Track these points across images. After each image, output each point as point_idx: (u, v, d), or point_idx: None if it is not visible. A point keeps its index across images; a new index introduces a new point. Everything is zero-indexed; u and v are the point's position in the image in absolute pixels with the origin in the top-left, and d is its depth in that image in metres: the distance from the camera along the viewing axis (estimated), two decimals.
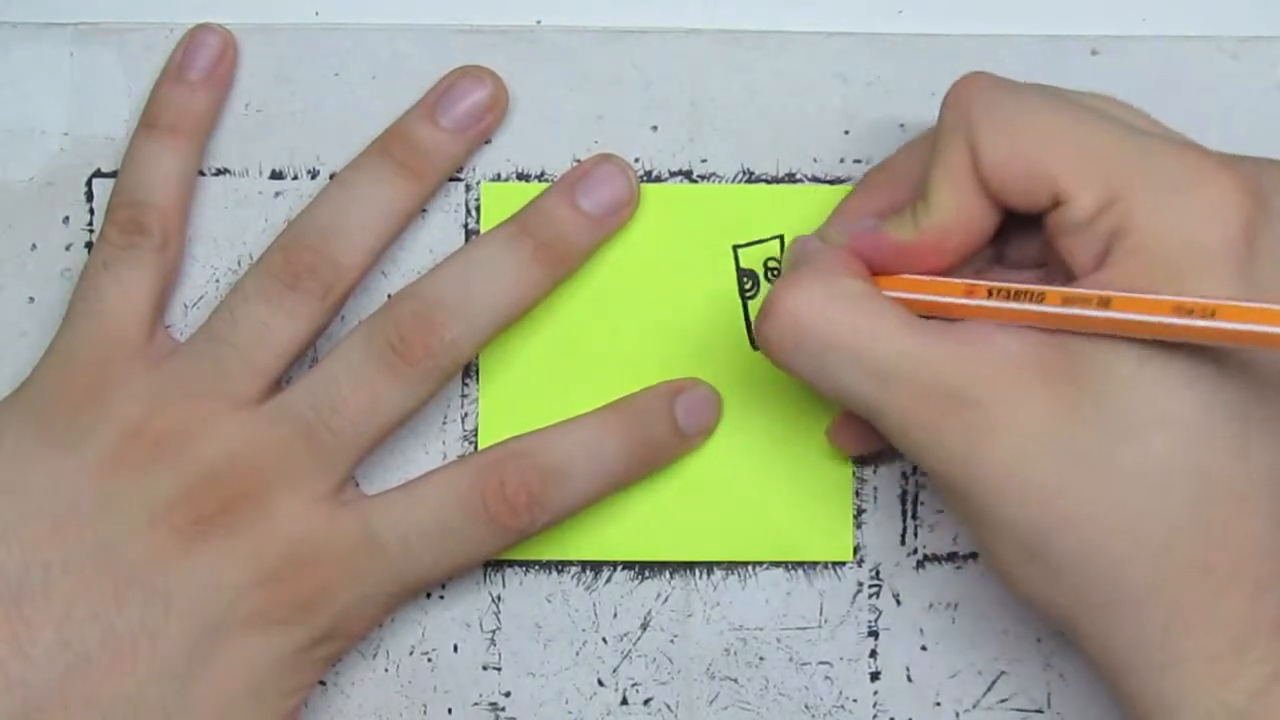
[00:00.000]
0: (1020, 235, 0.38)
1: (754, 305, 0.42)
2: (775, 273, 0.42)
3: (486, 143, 0.42)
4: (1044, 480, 0.34)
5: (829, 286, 0.36)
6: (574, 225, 0.41)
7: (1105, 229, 0.34)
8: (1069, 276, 0.35)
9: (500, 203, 0.42)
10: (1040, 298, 0.35)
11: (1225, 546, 0.34)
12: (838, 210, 0.41)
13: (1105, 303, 0.34)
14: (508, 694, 0.42)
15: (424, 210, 0.42)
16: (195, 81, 0.42)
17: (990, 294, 0.36)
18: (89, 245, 0.42)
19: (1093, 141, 0.35)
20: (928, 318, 0.36)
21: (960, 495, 0.36)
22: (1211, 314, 0.32)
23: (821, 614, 0.42)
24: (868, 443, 0.41)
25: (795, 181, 0.42)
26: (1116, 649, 0.35)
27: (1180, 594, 0.34)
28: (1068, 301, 0.34)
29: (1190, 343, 0.33)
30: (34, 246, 0.43)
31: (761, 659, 0.42)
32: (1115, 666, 0.35)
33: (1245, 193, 0.34)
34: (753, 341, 0.42)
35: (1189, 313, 0.33)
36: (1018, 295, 0.35)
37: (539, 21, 0.43)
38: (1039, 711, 0.42)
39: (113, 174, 0.42)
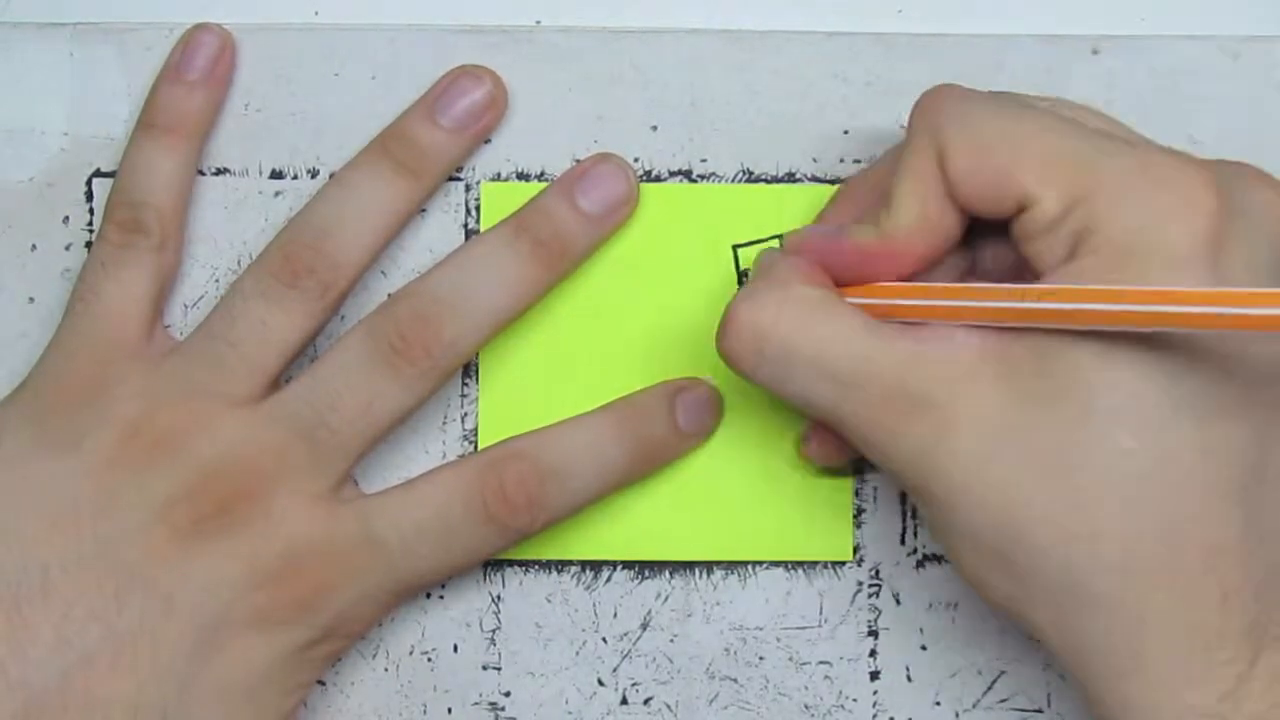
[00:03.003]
0: (993, 246, 0.38)
1: None
2: None
3: (486, 142, 0.42)
4: (1004, 480, 0.34)
5: (785, 294, 0.36)
6: (573, 224, 0.41)
7: (1070, 231, 0.34)
8: (1038, 281, 0.35)
9: (500, 203, 0.42)
10: (996, 294, 0.34)
11: (1189, 550, 0.33)
12: (816, 219, 0.41)
13: (1057, 294, 0.33)
14: (508, 694, 0.42)
15: (424, 210, 0.42)
16: (193, 81, 0.42)
17: (945, 294, 0.35)
18: (89, 245, 0.42)
19: (1056, 145, 0.35)
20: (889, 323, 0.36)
21: (924, 499, 0.35)
22: (1174, 300, 0.32)
23: (821, 614, 0.42)
24: (839, 454, 0.41)
25: (795, 181, 0.42)
26: (1083, 654, 0.34)
27: (1145, 599, 0.33)
28: (1023, 296, 0.34)
29: (1152, 334, 0.33)
30: (34, 246, 0.43)
31: (761, 659, 0.42)
32: (1082, 671, 0.34)
33: (1209, 191, 0.33)
34: None
35: (1151, 300, 0.32)
36: (973, 294, 0.35)
37: (539, 21, 0.43)
38: (1039, 711, 0.42)
39: (113, 174, 0.42)
